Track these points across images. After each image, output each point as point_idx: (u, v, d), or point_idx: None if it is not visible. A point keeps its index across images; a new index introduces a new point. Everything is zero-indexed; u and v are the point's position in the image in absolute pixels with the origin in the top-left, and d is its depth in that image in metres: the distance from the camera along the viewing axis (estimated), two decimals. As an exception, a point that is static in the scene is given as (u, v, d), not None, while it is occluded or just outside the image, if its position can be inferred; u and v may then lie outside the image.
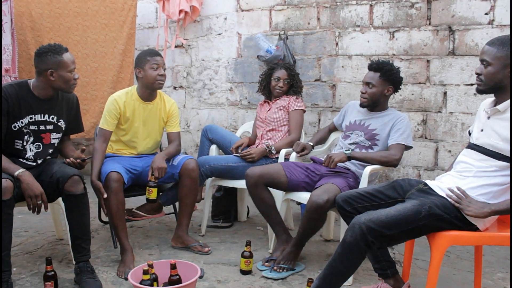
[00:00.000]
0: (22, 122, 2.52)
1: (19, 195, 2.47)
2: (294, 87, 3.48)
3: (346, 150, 2.79)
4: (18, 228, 3.45)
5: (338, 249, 2.01)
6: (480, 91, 2.08)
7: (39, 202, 2.37)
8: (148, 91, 2.99)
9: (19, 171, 2.35)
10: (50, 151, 2.68)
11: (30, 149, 2.59)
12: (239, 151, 3.30)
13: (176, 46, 4.76)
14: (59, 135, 2.71)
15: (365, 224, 1.92)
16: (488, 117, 2.06)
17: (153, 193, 2.84)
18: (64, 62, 2.49)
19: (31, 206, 2.37)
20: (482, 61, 2.01)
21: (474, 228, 2.01)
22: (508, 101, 1.98)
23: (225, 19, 4.55)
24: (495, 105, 2.04)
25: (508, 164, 1.95)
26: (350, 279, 2.52)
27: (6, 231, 2.26)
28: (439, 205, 1.98)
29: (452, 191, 2.02)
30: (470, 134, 2.26)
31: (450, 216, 1.97)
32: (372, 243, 1.92)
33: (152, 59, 2.90)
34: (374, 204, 2.20)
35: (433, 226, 1.98)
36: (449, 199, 2.00)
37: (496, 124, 2.01)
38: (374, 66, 2.85)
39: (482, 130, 2.07)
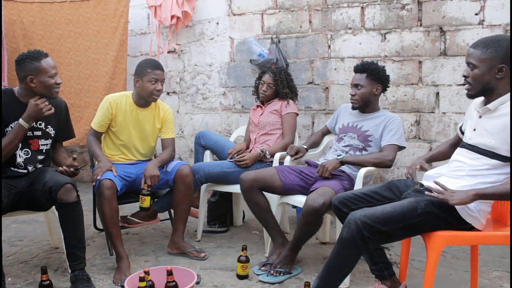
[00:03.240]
0: (11, 128, 2.51)
1: (8, 205, 2.47)
2: (279, 92, 3.45)
3: (338, 156, 2.79)
4: (13, 237, 3.43)
5: (335, 247, 2.02)
6: (470, 96, 2.10)
7: (45, 103, 2.52)
8: (143, 100, 2.99)
9: (20, 121, 2.48)
10: (40, 157, 2.66)
11: (20, 155, 2.57)
12: (234, 156, 3.29)
13: (168, 52, 4.75)
14: (48, 142, 2.69)
15: (360, 219, 1.92)
16: (480, 116, 2.07)
17: (146, 201, 2.83)
18: (42, 68, 2.48)
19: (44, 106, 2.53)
20: (468, 63, 2.04)
21: (470, 227, 2.02)
22: (498, 100, 1.99)
23: (217, 23, 4.55)
24: (485, 104, 2.05)
25: (501, 162, 1.96)
26: (347, 281, 2.52)
27: None
28: (436, 203, 1.99)
29: (431, 188, 2.01)
30: (461, 130, 2.26)
31: (446, 214, 1.98)
32: (368, 238, 1.93)
33: (152, 72, 2.90)
34: (370, 205, 2.20)
35: (429, 225, 1.99)
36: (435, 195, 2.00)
37: (488, 123, 2.02)
38: (360, 68, 2.88)
39: (474, 130, 2.08)
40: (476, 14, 3.54)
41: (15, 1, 4.57)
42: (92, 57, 4.66)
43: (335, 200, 2.33)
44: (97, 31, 4.64)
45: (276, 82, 3.44)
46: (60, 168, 2.57)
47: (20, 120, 2.46)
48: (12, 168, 2.57)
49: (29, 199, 2.58)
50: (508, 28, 3.43)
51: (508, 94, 1.97)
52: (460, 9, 3.59)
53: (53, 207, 2.57)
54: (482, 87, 2.01)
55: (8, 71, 4.32)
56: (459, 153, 2.13)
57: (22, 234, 3.53)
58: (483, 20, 3.53)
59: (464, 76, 2.06)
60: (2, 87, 4.17)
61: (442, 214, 1.98)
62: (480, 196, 1.91)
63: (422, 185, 2.18)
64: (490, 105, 2.01)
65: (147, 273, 2.21)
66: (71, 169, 2.56)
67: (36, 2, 4.68)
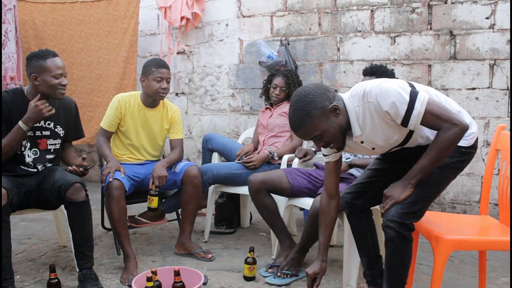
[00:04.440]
0: None
1: (18, 203, 2.49)
2: (290, 95, 3.46)
3: (346, 159, 2.79)
4: (21, 235, 3.46)
5: (387, 248, 1.98)
6: (342, 149, 2.08)
7: (45, 105, 2.48)
8: (151, 99, 3.01)
9: (21, 123, 2.45)
10: (49, 157, 2.68)
11: (29, 155, 2.59)
12: (243, 158, 3.29)
13: (178, 53, 4.78)
14: (56, 141, 2.71)
15: (395, 216, 1.90)
16: (362, 142, 2.01)
17: (154, 202, 2.84)
18: (46, 67, 2.47)
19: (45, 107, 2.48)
20: (313, 138, 1.96)
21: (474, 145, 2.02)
22: (354, 125, 1.95)
23: (227, 25, 4.56)
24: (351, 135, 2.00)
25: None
26: (354, 284, 2.52)
27: (3, 239, 2.25)
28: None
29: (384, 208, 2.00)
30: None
31: (456, 157, 1.96)
32: (412, 225, 1.92)
33: (157, 71, 2.92)
34: (380, 184, 2.13)
35: (450, 176, 2.00)
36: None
37: (373, 137, 1.97)
38: (369, 71, 2.87)
39: (373, 149, 2.04)
40: (487, 18, 3.53)
41: (26, 1, 4.63)
42: (103, 58, 4.70)
43: (345, 206, 2.27)
44: (107, 32, 4.68)
45: (289, 85, 3.44)
46: (70, 168, 2.59)
47: (20, 122, 2.45)
48: (22, 167, 2.59)
49: (38, 198, 2.60)
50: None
51: (351, 110, 1.94)
52: (471, 13, 3.57)
53: (62, 206, 2.59)
54: (341, 134, 1.95)
55: (23, 71, 4.37)
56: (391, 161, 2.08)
57: (31, 232, 3.56)
58: (494, 24, 3.51)
59: (324, 147, 2.05)
60: (18, 86, 4.26)
61: (454, 160, 1.96)
62: (415, 184, 1.91)
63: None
64: (355, 133, 1.97)
65: (154, 273, 2.22)
66: (81, 169, 2.58)
67: (48, 2, 4.73)
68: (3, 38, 4.32)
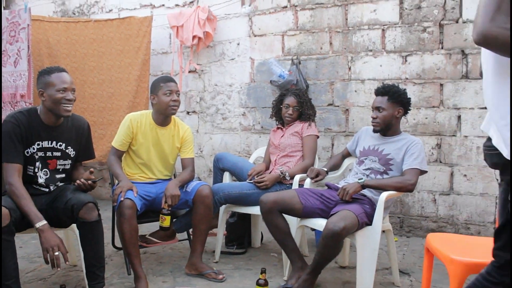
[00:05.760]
0: (33, 148, 2.55)
1: (27, 221, 2.48)
2: (303, 114, 3.46)
3: (359, 179, 2.76)
4: (32, 253, 3.45)
5: None
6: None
7: (56, 254, 2.30)
8: (162, 117, 3.03)
9: (39, 224, 2.32)
10: (59, 176, 2.68)
11: (40, 176, 2.60)
12: (255, 177, 3.27)
13: (189, 71, 4.81)
14: (67, 162, 2.71)
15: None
16: None
17: (166, 221, 2.83)
18: (51, 81, 2.49)
19: (48, 260, 2.30)
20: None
21: None
22: None
23: (238, 44, 4.59)
24: None
25: None
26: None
27: (9, 259, 2.23)
28: None
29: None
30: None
31: None
32: None
33: (165, 85, 2.94)
34: None
35: None
36: None
37: None
38: (381, 91, 2.87)
39: None
40: (499, 38, 3.51)
41: (41, 21, 4.70)
42: (115, 76, 4.74)
43: None
44: (120, 51, 4.73)
45: (301, 104, 3.44)
46: (78, 182, 2.57)
47: (40, 223, 2.33)
48: (35, 186, 2.60)
49: (49, 216, 2.59)
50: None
51: None
52: (483, 33, 3.56)
53: (73, 224, 2.58)
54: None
55: (34, 89, 4.42)
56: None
57: (41, 250, 3.54)
58: (507, 44, 3.49)
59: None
60: (28, 104, 4.31)
61: None
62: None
63: None
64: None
65: (165, 294, 2.20)
66: (89, 182, 2.57)
67: (62, 21, 4.82)
68: (15, 56, 4.39)
